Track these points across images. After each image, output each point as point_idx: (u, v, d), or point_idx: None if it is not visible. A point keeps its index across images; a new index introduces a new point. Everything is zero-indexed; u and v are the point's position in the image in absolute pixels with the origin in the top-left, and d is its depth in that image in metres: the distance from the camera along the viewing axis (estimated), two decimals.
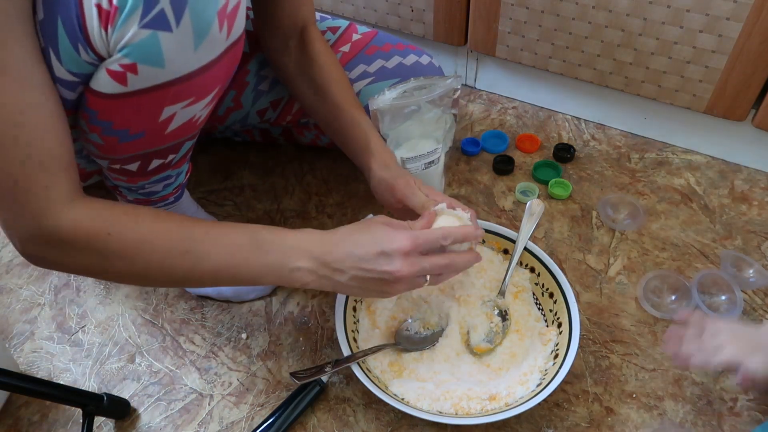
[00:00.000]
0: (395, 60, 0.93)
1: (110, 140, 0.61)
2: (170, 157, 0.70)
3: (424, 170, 0.88)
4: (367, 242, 0.60)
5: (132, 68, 0.53)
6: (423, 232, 0.62)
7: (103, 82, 0.55)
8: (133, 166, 0.68)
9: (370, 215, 0.93)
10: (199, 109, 0.62)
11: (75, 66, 0.54)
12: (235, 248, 0.60)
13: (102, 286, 0.89)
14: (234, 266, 0.60)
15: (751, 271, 0.82)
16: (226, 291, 0.84)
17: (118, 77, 0.53)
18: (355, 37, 0.93)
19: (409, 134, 0.87)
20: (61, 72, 0.55)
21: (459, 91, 0.85)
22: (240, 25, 0.58)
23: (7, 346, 0.82)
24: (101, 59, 0.54)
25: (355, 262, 0.60)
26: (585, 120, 1.12)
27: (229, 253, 0.59)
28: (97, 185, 1.03)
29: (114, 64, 0.53)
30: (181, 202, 0.84)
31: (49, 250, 0.56)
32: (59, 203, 0.54)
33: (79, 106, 0.59)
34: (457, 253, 0.64)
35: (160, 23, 0.50)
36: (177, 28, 0.51)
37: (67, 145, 0.56)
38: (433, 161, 0.87)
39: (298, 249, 0.60)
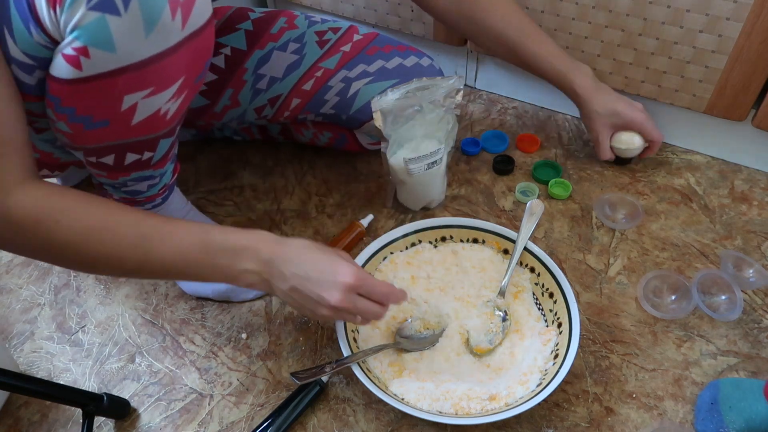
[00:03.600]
0: (396, 61, 0.93)
1: (76, 128, 0.62)
2: (146, 153, 0.70)
3: (427, 170, 0.88)
4: (316, 263, 0.62)
5: (84, 52, 0.53)
6: (371, 279, 0.64)
7: (59, 67, 0.56)
8: (109, 159, 0.68)
9: (370, 216, 0.93)
10: (163, 102, 0.62)
11: (29, 48, 0.55)
12: (185, 248, 0.61)
13: (102, 286, 0.89)
14: (183, 265, 0.61)
15: (751, 271, 0.82)
16: (221, 288, 0.84)
17: (72, 61, 0.54)
18: (356, 37, 0.93)
19: (411, 135, 0.87)
20: (16, 53, 0.56)
21: (461, 92, 0.85)
22: (199, 17, 0.58)
23: (7, 346, 0.82)
24: (55, 42, 0.55)
25: (298, 277, 0.62)
26: None
27: (179, 253, 0.60)
28: (86, 181, 1.03)
29: (67, 47, 0.54)
30: (170, 202, 0.84)
31: None
32: (10, 185, 0.55)
33: (44, 94, 0.60)
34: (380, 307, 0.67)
35: (107, 6, 0.51)
36: (125, 13, 0.52)
37: (20, 127, 0.57)
38: (435, 161, 0.87)
39: (248, 250, 0.62)
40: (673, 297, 0.81)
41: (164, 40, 0.56)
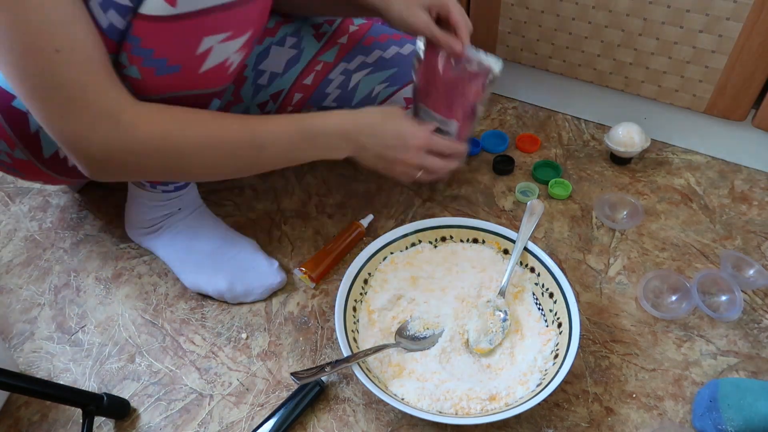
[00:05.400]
0: (393, 50, 0.93)
1: (148, 72, 0.63)
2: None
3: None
4: (391, 132, 0.74)
5: None
6: (437, 138, 0.77)
7: (153, 4, 0.57)
8: None
9: (370, 216, 0.93)
10: (232, 51, 0.64)
11: None
12: (288, 139, 0.69)
13: (102, 286, 0.89)
14: (290, 153, 0.70)
15: (751, 271, 0.82)
16: (221, 287, 0.84)
17: None
18: (352, 28, 0.93)
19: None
20: None
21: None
22: None
23: (7, 346, 0.82)
24: None
25: (382, 146, 0.74)
26: (585, 120, 1.12)
27: (285, 145, 0.69)
28: (91, 184, 1.03)
29: None
30: (191, 188, 0.89)
31: (125, 155, 0.60)
32: (129, 105, 0.59)
33: (122, 40, 0.61)
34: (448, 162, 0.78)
35: None
36: None
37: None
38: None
39: (338, 132, 0.71)
40: (674, 297, 0.81)
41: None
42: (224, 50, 0.63)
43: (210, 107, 0.72)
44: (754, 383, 0.68)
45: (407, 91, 0.94)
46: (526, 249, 0.79)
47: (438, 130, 0.81)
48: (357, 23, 0.95)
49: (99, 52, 0.57)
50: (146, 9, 0.57)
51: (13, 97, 0.68)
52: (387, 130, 0.74)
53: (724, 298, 0.80)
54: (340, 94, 0.93)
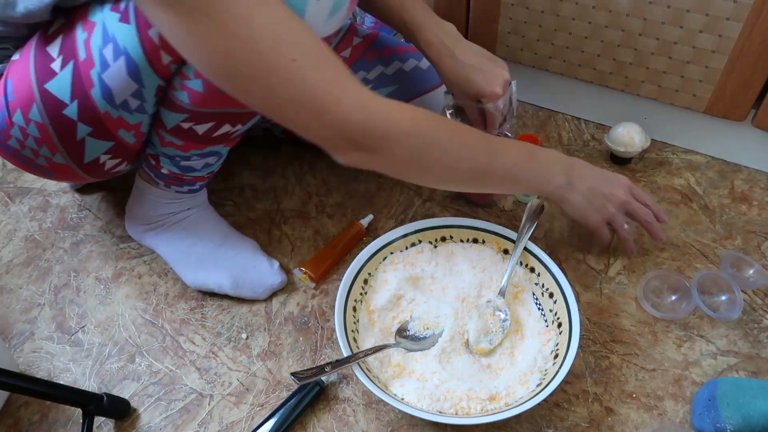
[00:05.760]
0: (395, 65, 0.93)
1: (211, 88, 0.64)
2: (237, 127, 0.73)
3: None
4: (603, 172, 0.79)
5: None
6: (639, 189, 0.81)
7: None
8: (204, 128, 0.71)
9: (370, 216, 0.93)
10: None
11: None
12: (517, 152, 0.72)
13: (102, 286, 0.89)
14: (517, 170, 0.72)
15: (751, 271, 0.82)
16: (224, 283, 0.84)
17: None
18: (356, 40, 0.93)
19: None
20: None
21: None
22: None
23: (7, 346, 0.82)
24: None
25: (594, 179, 0.77)
26: (585, 120, 1.12)
27: (515, 156, 0.71)
28: (97, 184, 1.03)
29: None
30: (203, 193, 0.90)
31: (381, 141, 0.60)
32: (370, 96, 0.59)
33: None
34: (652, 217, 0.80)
35: None
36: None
37: None
38: None
39: (557, 158, 0.76)
40: (674, 297, 0.81)
41: (333, 25, 0.61)
42: None
43: (248, 124, 0.75)
44: (753, 382, 0.68)
45: None
46: (526, 249, 0.79)
47: None
48: (361, 35, 0.94)
49: (325, 48, 0.57)
50: None
51: (65, 105, 0.68)
52: (596, 169, 0.78)
53: (724, 298, 0.80)
54: None
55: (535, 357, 0.71)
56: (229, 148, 0.81)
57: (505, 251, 0.82)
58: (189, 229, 0.87)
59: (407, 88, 0.93)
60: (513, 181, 0.72)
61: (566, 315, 0.72)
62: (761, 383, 0.67)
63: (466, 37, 1.13)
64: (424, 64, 0.94)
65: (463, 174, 0.68)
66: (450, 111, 0.88)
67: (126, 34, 0.62)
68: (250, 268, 0.84)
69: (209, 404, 0.75)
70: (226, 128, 0.73)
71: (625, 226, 0.80)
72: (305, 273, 0.85)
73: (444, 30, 0.82)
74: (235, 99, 0.61)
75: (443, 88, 0.92)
